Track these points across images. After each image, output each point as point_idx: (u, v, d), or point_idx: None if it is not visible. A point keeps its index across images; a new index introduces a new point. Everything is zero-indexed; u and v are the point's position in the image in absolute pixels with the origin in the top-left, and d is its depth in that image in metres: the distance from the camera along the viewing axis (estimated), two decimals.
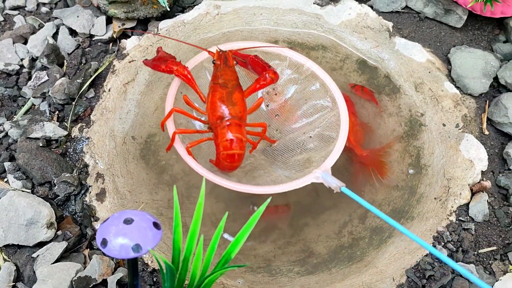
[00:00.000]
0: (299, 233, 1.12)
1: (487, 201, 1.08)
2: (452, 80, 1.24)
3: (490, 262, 1.03)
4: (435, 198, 1.09)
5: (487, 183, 1.09)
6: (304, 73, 1.13)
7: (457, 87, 1.22)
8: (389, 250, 1.05)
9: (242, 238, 0.81)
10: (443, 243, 1.03)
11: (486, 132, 1.19)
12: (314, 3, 1.34)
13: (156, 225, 0.78)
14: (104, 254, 0.99)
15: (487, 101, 1.22)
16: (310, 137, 1.11)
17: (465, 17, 1.31)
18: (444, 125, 1.17)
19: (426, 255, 1.01)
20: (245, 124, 1.01)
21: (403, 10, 1.36)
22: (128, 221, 0.77)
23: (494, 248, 1.04)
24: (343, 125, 1.05)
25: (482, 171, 1.11)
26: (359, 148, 1.16)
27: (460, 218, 1.06)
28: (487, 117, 1.20)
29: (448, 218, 1.05)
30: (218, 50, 1.06)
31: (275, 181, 1.03)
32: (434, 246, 1.02)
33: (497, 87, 1.25)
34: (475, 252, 1.03)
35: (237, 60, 1.10)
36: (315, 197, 1.15)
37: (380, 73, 1.28)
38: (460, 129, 1.16)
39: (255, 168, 1.11)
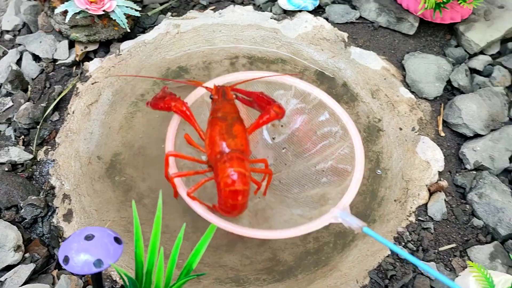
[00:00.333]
0: (267, 242, 1.14)
1: (445, 200, 1.12)
2: (407, 85, 1.28)
3: (450, 259, 1.06)
4: (395, 200, 1.12)
5: (444, 183, 1.13)
6: (311, 102, 1.08)
7: (412, 92, 1.27)
8: (352, 253, 1.08)
9: (201, 249, 0.83)
10: (403, 243, 1.06)
11: (443, 134, 1.23)
12: (271, 18, 1.38)
13: (117, 240, 0.81)
14: (71, 273, 1.00)
15: (442, 104, 1.27)
16: (323, 170, 1.05)
17: (416, 24, 1.36)
18: (400, 129, 1.21)
19: (388, 256, 1.04)
20: (248, 158, 0.94)
21: (357, 21, 1.40)
22: (89, 237, 0.79)
23: (454, 245, 1.08)
24: (359, 157, 0.99)
25: (439, 171, 1.14)
26: None
27: (420, 218, 1.09)
28: (443, 119, 1.24)
29: (407, 219, 1.09)
30: (216, 85, 1.03)
31: (288, 222, 0.99)
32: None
33: (451, 90, 1.29)
34: (435, 250, 1.06)
35: (241, 98, 1.06)
36: None
37: (338, 82, 1.31)
38: (416, 132, 1.19)
39: (264, 207, 1.07)
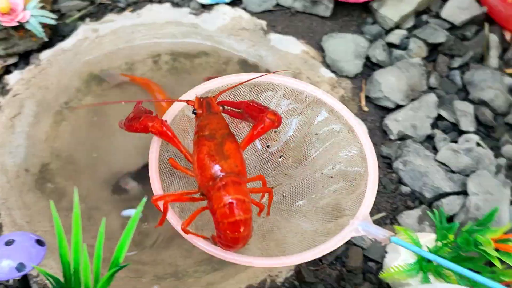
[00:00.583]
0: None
1: None
2: (328, 66, 1.31)
3: (382, 227, 1.08)
4: None
5: None
6: (305, 101, 0.92)
7: (333, 71, 1.29)
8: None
9: (124, 243, 0.83)
10: None
11: (366, 109, 1.26)
12: (189, 13, 1.39)
13: (39, 242, 0.81)
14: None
15: (363, 80, 1.30)
16: (331, 177, 0.90)
17: (331, 6, 1.39)
18: None
19: None
20: (245, 180, 0.79)
21: (274, 8, 1.42)
22: (9, 243, 0.79)
23: (384, 214, 1.10)
24: (370, 156, 0.85)
25: None
26: None
27: None
28: (366, 95, 1.27)
29: None
30: (198, 97, 0.86)
31: (303, 242, 0.82)
32: None
33: (371, 66, 1.33)
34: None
35: (230, 111, 0.91)
36: None
37: (261, 70, 1.33)
38: None
39: (272, 228, 0.90)
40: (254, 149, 0.94)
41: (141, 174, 1.18)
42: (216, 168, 0.76)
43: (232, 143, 0.80)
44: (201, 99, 0.85)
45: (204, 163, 0.78)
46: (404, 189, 1.13)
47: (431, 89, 1.29)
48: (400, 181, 1.14)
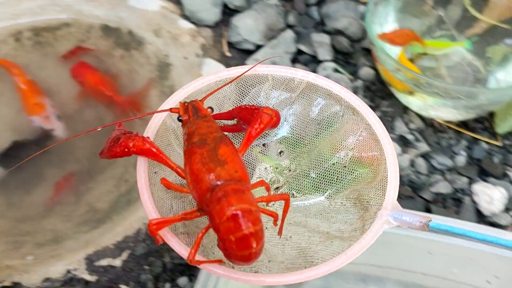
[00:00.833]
0: (82, 198, 1.16)
1: None
2: (187, 18, 1.33)
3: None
4: None
5: None
6: (297, 88, 0.82)
7: (192, 22, 1.32)
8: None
9: None
10: None
11: (229, 54, 1.29)
12: None
13: None
14: None
15: (224, 27, 1.33)
16: (345, 166, 0.80)
17: None
18: (186, 58, 1.26)
19: None
20: (248, 187, 0.66)
21: None
22: None
23: None
24: (383, 136, 0.76)
25: None
26: (117, 96, 1.22)
27: None
28: (228, 41, 1.30)
29: None
30: (182, 102, 0.73)
31: (329, 247, 0.72)
32: None
33: (230, 12, 1.36)
34: None
35: (224, 126, 0.80)
36: (95, 161, 1.20)
37: (123, 32, 1.34)
38: (200, 57, 1.25)
39: (290, 235, 0.78)
40: (249, 150, 0.82)
41: (8, 155, 1.18)
42: (212, 177, 0.63)
43: (227, 146, 0.67)
44: (186, 104, 0.73)
45: (198, 174, 0.64)
46: None
47: (289, 27, 1.33)
48: None
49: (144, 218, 1.07)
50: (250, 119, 0.74)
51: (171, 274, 1.01)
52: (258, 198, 0.67)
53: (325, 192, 0.80)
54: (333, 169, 0.80)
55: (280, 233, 0.71)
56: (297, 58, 1.28)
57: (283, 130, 0.83)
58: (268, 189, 0.72)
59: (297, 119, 0.82)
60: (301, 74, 0.80)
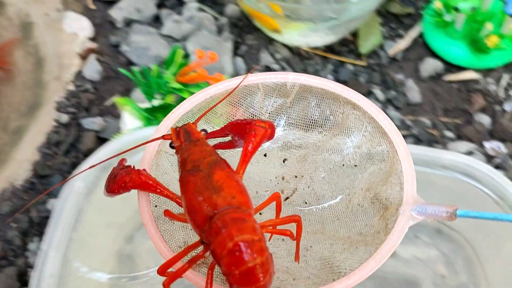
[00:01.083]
0: None
1: (99, 60, 1.16)
2: None
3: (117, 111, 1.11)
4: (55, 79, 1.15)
5: (93, 45, 1.17)
6: (290, 92, 0.77)
7: None
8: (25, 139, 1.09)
9: None
10: (64, 112, 1.09)
11: (93, 7, 1.26)
12: None
13: None
14: None
15: None
16: (355, 165, 0.76)
17: None
18: (47, 14, 1.22)
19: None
20: (250, 212, 0.60)
21: None
22: None
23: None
24: (389, 128, 0.70)
25: (89, 37, 1.18)
26: None
27: (77, 83, 1.13)
28: None
29: (66, 89, 1.12)
30: (174, 128, 0.68)
31: (355, 254, 0.67)
32: None
33: None
34: (101, 106, 1.11)
35: (217, 145, 0.73)
36: None
37: None
38: (60, 11, 1.22)
39: (309, 246, 0.72)
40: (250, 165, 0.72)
41: None
42: (207, 207, 0.58)
43: (222, 170, 0.62)
44: (177, 129, 0.67)
45: (193, 204, 0.60)
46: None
47: None
48: (130, 62, 1.17)
49: (9, 177, 1.04)
50: (244, 134, 0.68)
51: (39, 228, 0.99)
52: (265, 222, 0.62)
53: (339, 196, 0.75)
54: (342, 170, 0.75)
55: (297, 258, 0.66)
56: (163, 3, 1.26)
57: (283, 137, 0.78)
58: (279, 204, 0.66)
59: (296, 124, 0.77)
60: (292, 77, 0.74)
